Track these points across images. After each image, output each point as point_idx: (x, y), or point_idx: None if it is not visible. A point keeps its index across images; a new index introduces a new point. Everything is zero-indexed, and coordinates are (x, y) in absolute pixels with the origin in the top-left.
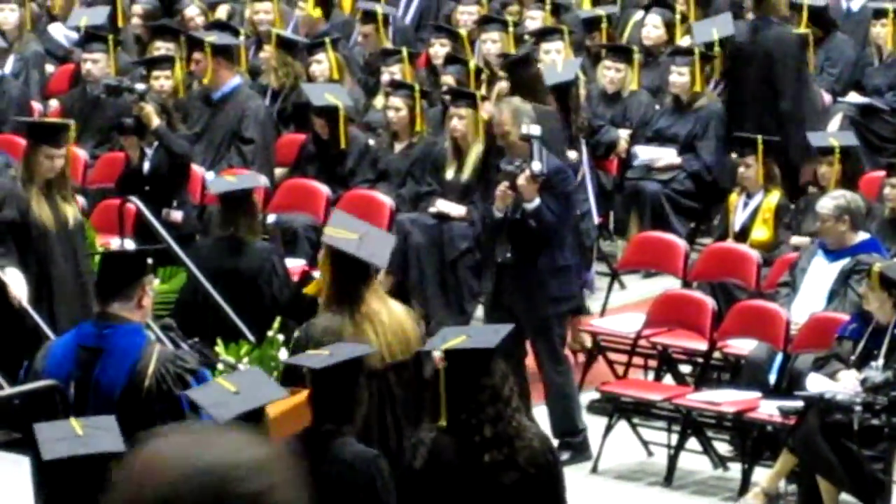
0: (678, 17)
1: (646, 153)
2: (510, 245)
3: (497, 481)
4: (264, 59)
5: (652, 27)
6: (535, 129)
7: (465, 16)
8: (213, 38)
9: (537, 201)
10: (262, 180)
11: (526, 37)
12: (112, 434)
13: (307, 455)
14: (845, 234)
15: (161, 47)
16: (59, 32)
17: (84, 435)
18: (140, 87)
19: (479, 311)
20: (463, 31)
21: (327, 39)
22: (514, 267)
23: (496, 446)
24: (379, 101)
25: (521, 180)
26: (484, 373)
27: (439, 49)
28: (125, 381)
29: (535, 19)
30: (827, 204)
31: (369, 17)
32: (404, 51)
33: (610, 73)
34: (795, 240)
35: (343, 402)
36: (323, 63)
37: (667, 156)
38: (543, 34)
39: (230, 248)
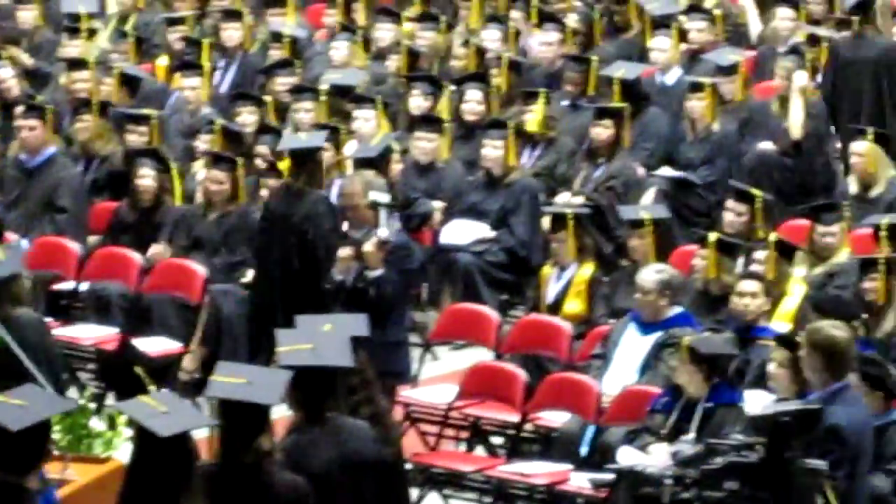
0: (494, 90)
1: (457, 228)
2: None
3: (383, 457)
4: (79, 128)
5: (475, 103)
6: (383, 197)
7: (280, 86)
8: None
9: (381, 270)
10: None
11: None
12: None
13: (239, 484)
14: (663, 308)
15: None
16: None
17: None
18: None
19: None
20: (268, 98)
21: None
22: None
23: (375, 424)
24: (195, 167)
25: (368, 247)
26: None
27: (248, 118)
28: None
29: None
30: (650, 277)
31: (193, 69)
32: (217, 122)
33: (421, 144)
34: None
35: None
36: (144, 136)
37: (479, 231)
38: (358, 100)
39: (291, 196)
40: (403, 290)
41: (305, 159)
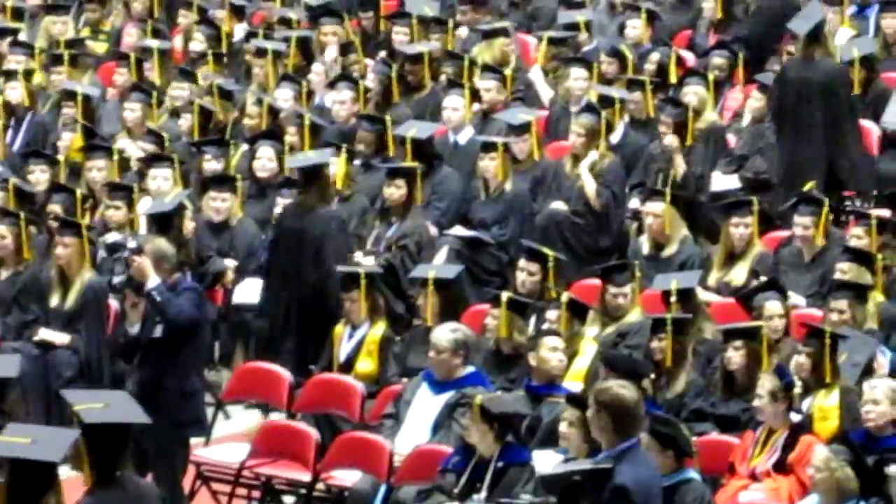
0: (287, 148)
1: (250, 287)
2: (139, 366)
3: None
4: None
5: (266, 160)
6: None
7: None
8: None
9: (156, 279)
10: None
11: (133, 163)
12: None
13: None
14: (456, 367)
15: None
16: None
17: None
18: None
19: None
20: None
21: None
22: (140, 387)
23: None
24: None
25: (134, 263)
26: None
27: (40, 175)
28: None
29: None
30: (444, 336)
31: None
32: (10, 180)
33: (215, 203)
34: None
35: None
36: None
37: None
38: (153, 160)
39: (302, 213)
40: (194, 325)
41: (313, 176)
